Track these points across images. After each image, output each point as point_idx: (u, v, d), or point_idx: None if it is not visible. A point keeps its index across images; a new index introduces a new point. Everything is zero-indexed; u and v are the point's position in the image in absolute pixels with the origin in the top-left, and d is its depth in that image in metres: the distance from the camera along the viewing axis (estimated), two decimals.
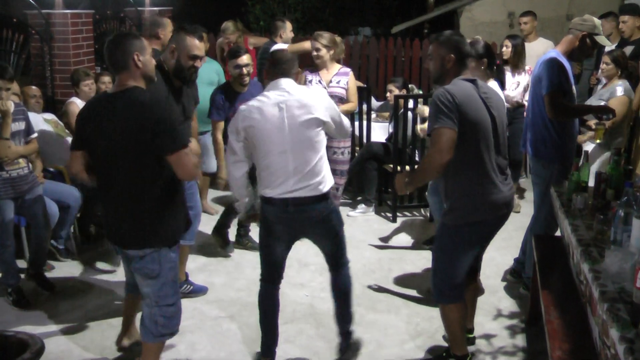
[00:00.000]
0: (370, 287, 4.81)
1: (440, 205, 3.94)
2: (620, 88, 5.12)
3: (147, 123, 2.97)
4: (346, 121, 3.58)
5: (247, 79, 4.94)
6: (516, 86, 6.31)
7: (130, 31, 3.50)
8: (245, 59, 4.93)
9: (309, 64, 5.83)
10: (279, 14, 12.96)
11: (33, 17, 6.47)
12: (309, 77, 5.68)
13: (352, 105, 5.72)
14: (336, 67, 5.67)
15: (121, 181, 3.10)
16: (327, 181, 3.46)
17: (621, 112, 4.93)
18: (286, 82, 3.41)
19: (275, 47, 5.84)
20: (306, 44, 6.05)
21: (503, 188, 3.36)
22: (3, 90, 4.31)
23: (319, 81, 5.50)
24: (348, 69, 5.76)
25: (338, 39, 5.78)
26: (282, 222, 3.45)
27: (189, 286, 4.58)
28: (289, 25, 6.31)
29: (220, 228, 5.37)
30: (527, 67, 6.45)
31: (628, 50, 6.16)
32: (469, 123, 3.20)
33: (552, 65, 4.29)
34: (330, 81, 5.56)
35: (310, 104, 3.36)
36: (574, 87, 4.43)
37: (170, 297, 3.28)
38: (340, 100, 5.48)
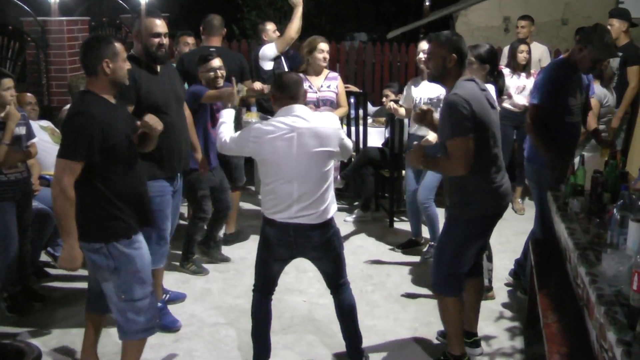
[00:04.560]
0: (367, 292, 4.81)
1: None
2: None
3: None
4: (348, 142, 3.52)
5: (220, 81, 4.96)
6: (522, 90, 6.33)
7: (104, 36, 3.74)
8: (217, 62, 4.97)
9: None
10: (275, 21, 12.97)
11: (29, 25, 6.46)
12: None
13: (344, 109, 5.71)
14: (325, 72, 5.68)
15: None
16: (331, 209, 3.45)
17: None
18: (300, 109, 3.36)
19: (265, 48, 5.86)
20: (294, 24, 5.78)
21: (506, 179, 3.56)
22: (6, 90, 4.27)
23: (310, 86, 5.48)
24: (336, 74, 5.77)
25: None
26: (282, 245, 3.44)
27: (165, 295, 4.53)
28: (271, 26, 6.30)
29: (207, 240, 5.36)
30: (532, 71, 6.46)
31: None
32: (482, 125, 3.34)
33: (553, 75, 4.27)
34: (321, 86, 5.54)
35: (324, 135, 3.32)
36: (571, 99, 4.29)
37: (136, 291, 3.24)
38: (331, 104, 5.48)
